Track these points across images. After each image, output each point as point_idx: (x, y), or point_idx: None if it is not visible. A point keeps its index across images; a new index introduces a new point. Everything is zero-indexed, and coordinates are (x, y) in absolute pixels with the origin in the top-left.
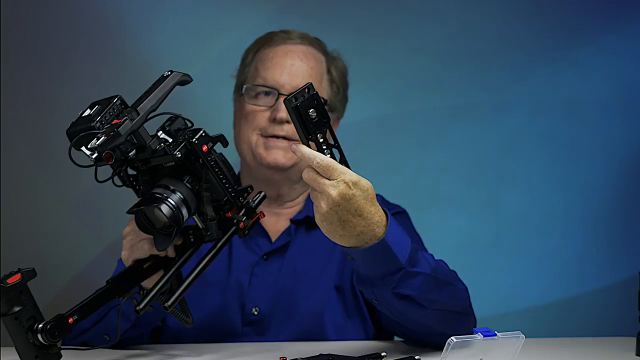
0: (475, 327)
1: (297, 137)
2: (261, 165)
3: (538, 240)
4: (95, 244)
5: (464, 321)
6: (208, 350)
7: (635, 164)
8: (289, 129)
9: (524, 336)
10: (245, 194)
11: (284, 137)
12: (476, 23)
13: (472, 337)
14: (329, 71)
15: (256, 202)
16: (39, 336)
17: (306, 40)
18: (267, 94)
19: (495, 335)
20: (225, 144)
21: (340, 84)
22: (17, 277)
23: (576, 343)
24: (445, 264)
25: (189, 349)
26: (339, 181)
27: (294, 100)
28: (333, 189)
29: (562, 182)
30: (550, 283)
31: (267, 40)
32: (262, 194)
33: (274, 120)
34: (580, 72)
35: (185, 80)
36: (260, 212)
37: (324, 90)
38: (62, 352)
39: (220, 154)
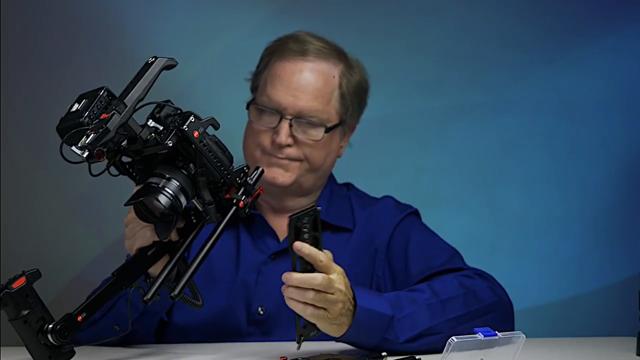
0: (507, 317)
1: (299, 157)
2: (264, 183)
3: (538, 240)
4: (95, 244)
5: (488, 318)
6: (210, 350)
7: (635, 164)
8: (290, 151)
9: (524, 336)
10: (242, 174)
11: (286, 158)
12: (476, 23)
13: (472, 337)
14: (340, 86)
15: (254, 178)
16: (49, 337)
17: (322, 55)
18: (270, 113)
19: (496, 335)
20: (216, 126)
21: (353, 97)
22: (22, 281)
23: (576, 343)
24: (463, 275)
25: (192, 348)
26: (339, 272)
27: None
28: (339, 283)
29: (562, 182)
30: (550, 283)
31: (282, 50)
32: (260, 169)
33: (273, 142)
34: (580, 72)
35: (170, 65)
36: (260, 188)
37: (332, 110)
38: None
39: (213, 135)
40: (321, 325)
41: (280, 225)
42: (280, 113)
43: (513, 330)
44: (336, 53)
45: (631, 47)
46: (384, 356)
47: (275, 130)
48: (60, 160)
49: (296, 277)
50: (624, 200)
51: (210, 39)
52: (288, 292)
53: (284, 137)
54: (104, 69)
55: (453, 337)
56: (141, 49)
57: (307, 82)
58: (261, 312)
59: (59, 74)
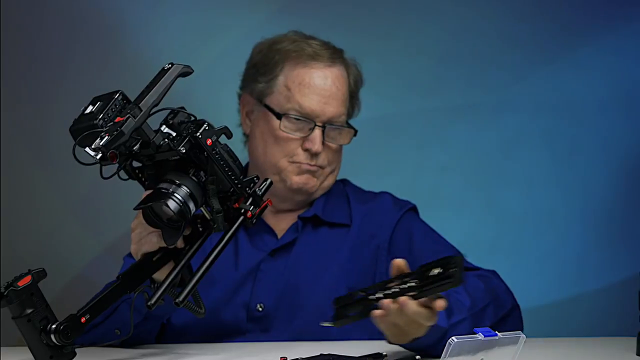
0: (520, 319)
1: (324, 164)
2: (288, 190)
3: (538, 240)
4: (95, 244)
5: (508, 322)
6: (210, 350)
7: (636, 163)
8: (321, 158)
9: (524, 336)
10: (252, 184)
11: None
12: (476, 23)
13: (472, 337)
14: (349, 85)
15: (263, 190)
16: (52, 337)
17: (337, 60)
18: (299, 119)
19: (496, 335)
20: (229, 135)
21: (357, 94)
22: (27, 279)
23: (576, 343)
24: (483, 277)
25: (192, 349)
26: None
27: None
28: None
29: (562, 182)
30: (550, 283)
31: (297, 55)
32: (269, 181)
33: (306, 150)
34: (580, 72)
35: (186, 72)
36: (268, 199)
37: (346, 111)
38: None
39: (225, 145)
40: (387, 333)
41: (277, 223)
42: (312, 121)
43: (522, 330)
44: (340, 53)
45: (631, 47)
46: (384, 356)
47: (308, 139)
48: (60, 160)
49: (417, 310)
50: (624, 200)
51: (210, 39)
52: (394, 314)
53: (318, 144)
54: (104, 69)
55: (453, 337)
56: (141, 49)
57: (337, 88)
58: (260, 309)
59: (59, 74)
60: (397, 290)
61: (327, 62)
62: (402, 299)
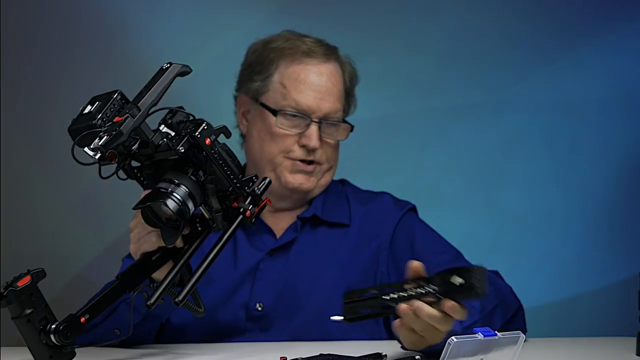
0: (524, 319)
1: (322, 160)
2: (284, 189)
3: (538, 240)
4: (95, 244)
5: (515, 323)
6: (210, 350)
7: (636, 163)
8: (318, 154)
9: (524, 336)
10: (250, 183)
11: (312, 161)
12: (476, 23)
13: (472, 337)
14: (344, 82)
15: (262, 189)
16: (52, 337)
17: (331, 56)
18: (296, 117)
19: (496, 335)
20: (228, 135)
21: (352, 91)
22: (27, 280)
23: (576, 343)
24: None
25: (192, 348)
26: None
27: None
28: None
29: (562, 182)
30: (550, 283)
31: (292, 52)
32: (268, 179)
33: (303, 146)
34: (580, 72)
35: (185, 72)
36: (267, 198)
37: (343, 107)
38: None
39: (224, 144)
40: (404, 339)
41: (276, 223)
42: (309, 117)
43: (525, 329)
44: (334, 49)
45: (631, 47)
46: (384, 356)
47: (305, 135)
48: (60, 160)
49: (430, 312)
50: (624, 200)
51: (210, 39)
52: (410, 319)
53: (315, 140)
54: (104, 69)
55: (453, 337)
56: (141, 49)
57: (332, 84)
58: (259, 308)
59: (59, 74)
60: (414, 293)
61: (321, 58)
62: (417, 303)
